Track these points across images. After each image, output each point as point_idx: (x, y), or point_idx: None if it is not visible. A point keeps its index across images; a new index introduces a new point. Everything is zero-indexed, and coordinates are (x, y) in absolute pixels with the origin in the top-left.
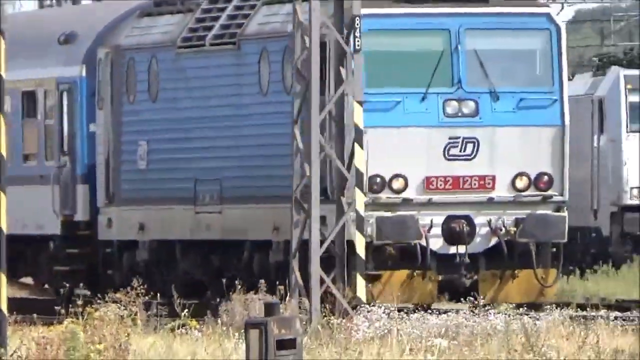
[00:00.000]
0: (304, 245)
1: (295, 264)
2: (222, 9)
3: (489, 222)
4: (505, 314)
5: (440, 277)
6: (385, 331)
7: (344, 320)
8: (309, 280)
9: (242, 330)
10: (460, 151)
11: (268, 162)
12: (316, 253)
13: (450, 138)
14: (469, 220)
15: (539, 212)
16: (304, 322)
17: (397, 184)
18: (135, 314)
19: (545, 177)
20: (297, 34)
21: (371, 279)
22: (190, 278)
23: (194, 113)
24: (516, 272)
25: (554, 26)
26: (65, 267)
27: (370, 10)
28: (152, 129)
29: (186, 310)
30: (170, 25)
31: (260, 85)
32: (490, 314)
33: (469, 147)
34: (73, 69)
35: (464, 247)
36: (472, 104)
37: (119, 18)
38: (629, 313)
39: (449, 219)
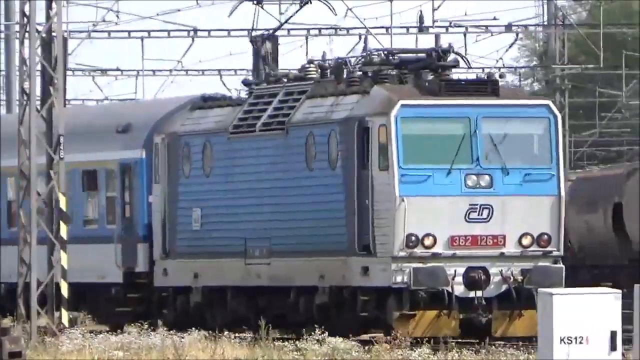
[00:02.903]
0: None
1: (20, 301)
2: (269, 103)
3: (501, 272)
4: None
5: (461, 316)
6: (82, 346)
7: (52, 339)
8: (30, 311)
9: None
10: (478, 215)
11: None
12: (34, 293)
13: (470, 205)
14: (485, 270)
15: (542, 264)
16: (27, 340)
17: (428, 241)
18: None
19: (545, 236)
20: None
21: (407, 318)
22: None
23: (244, 185)
24: (522, 312)
25: (552, 115)
26: (126, 308)
27: (407, 102)
28: (205, 197)
29: None
30: (221, 116)
31: (306, 163)
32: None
33: (485, 212)
34: (134, 152)
35: (480, 292)
36: (487, 178)
37: (172, 111)
38: None
39: (469, 269)
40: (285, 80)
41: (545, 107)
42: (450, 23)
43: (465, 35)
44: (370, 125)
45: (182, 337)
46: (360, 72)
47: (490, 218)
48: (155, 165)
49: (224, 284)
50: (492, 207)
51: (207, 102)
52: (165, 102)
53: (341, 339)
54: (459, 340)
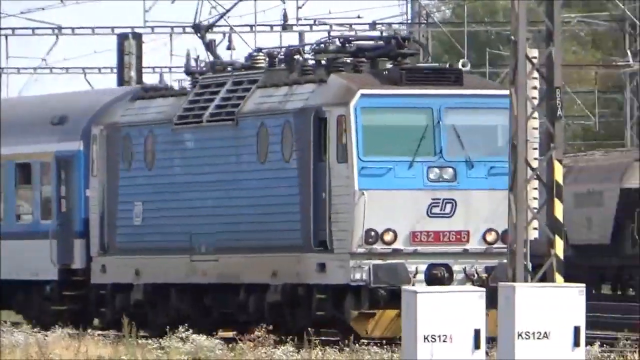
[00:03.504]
0: None
1: None
2: (216, 92)
3: (464, 270)
4: None
5: None
6: None
7: None
8: None
9: None
10: (440, 210)
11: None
12: None
13: (432, 199)
14: (448, 267)
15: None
16: None
17: (388, 237)
18: None
19: None
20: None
21: (366, 317)
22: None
23: (189, 178)
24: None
25: None
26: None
27: (367, 91)
28: (147, 191)
29: None
30: (165, 107)
31: (258, 155)
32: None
33: (448, 206)
34: (70, 144)
35: None
36: (451, 171)
37: (111, 102)
38: None
39: (431, 266)
40: (231, 69)
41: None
42: (315, 21)
43: (329, 33)
44: (327, 116)
45: (46, 335)
46: (313, 61)
47: (454, 213)
48: (93, 157)
49: (168, 281)
50: (455, 202)
51: (148, 92)
52: (102, 93)
53: (205, 336)
54: (323, 339)
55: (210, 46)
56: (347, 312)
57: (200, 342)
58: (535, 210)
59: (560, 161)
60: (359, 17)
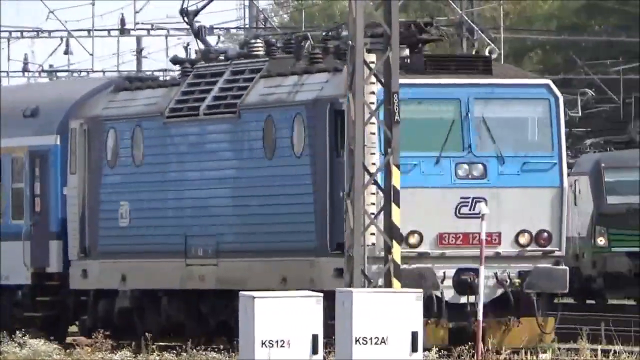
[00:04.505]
0: None
1: None
2: (213, 83)
3: (496, 275)
4: None
5: (451, 325)
6: None
7: None
8: None
9: None
10: (470, 210)
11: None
12: None
13: (461, 198)
14: (477, 272)
15: (543, 265)
16: None
17: (414, 239)
18: None
19: (545, 234)
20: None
21: None
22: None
23: (184, 176)
24: (520, 319)
25: (553, 96)
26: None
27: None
28: (135, 190)
29: None
30: (154, 98)
31: (264, 150)
32: None
33: (478, 206)
34: (46, 138)
35: (473, 297)
36: (480, 167)
37: (91, 93)
38: None
39: (460, 271)
40: (224, 57)
41: (545, 86)
42: (152, 26)
43: (167, 38)
44: (345, 108)
45: None
46: (321, 48)
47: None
48: (72, 153)
49: (159, 287)
50: (485, 201)
51: (132, 82)
52: (79, 83)
53: (42, 341)
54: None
55: (199, 33)
56: None
57: (38, 346)
58: (373, 216)
59: (397, 166)
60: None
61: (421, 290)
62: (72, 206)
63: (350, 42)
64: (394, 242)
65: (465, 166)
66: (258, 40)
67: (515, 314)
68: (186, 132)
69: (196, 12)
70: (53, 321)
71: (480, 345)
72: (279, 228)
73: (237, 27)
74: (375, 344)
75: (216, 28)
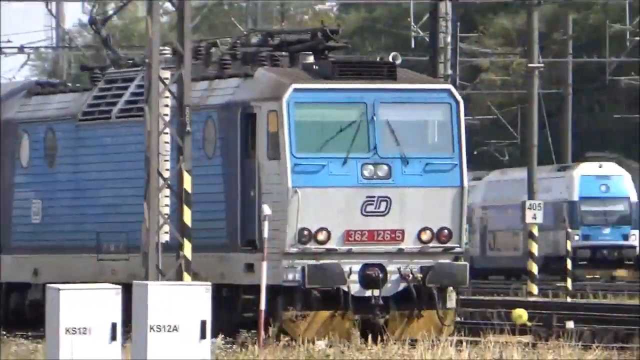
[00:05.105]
0: None
1: None
2: (124, 88)
3: (399, 270)
4: None
5: (356, 317)
6: None
7: None
8: None
9: None
10: (375, 208)
11: None
12: None
13: (367, 197)
14: (382, 267)
15: (444, 261)
16: None
17: (322, 236)
18: None
19: (446, 231)
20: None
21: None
22: None
23: (97, 176)
24: (422, 312)
25: (454, 100)
26: None
27: (300, 85)
28: (48, 189)
29: None
30: (66, 102)
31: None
32: None
33: (383, 204)
34: None
35: (378, 290)
36: (385, 168)
37: (3, 97)
38: None
39: (365, 266)
40: (131, 62)
41: (447, 91)
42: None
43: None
44: (256, 111)
45: None
46: (229, 55)
47: (388, 211)
48: None
49: (71, 281)
50: (390, 200)
51: (45, 87)
52: None
53: None
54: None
55: (107, 41)
56: (278, 314)
57: None
58: (167, 216)
59: (189, 171)
60: (9, 41)
61: (209, 283)
62: None
63: (146, 60)
64: (185, 240)
65: (371, 167)
66: (167, 48)
67: (418, 306)
68: (98, 135)
69: (104, 21)
70: None
71: (262, 332)
72: (191, 225)
73: (45, 47)
74: (168, 331)
75: (25, 47)
